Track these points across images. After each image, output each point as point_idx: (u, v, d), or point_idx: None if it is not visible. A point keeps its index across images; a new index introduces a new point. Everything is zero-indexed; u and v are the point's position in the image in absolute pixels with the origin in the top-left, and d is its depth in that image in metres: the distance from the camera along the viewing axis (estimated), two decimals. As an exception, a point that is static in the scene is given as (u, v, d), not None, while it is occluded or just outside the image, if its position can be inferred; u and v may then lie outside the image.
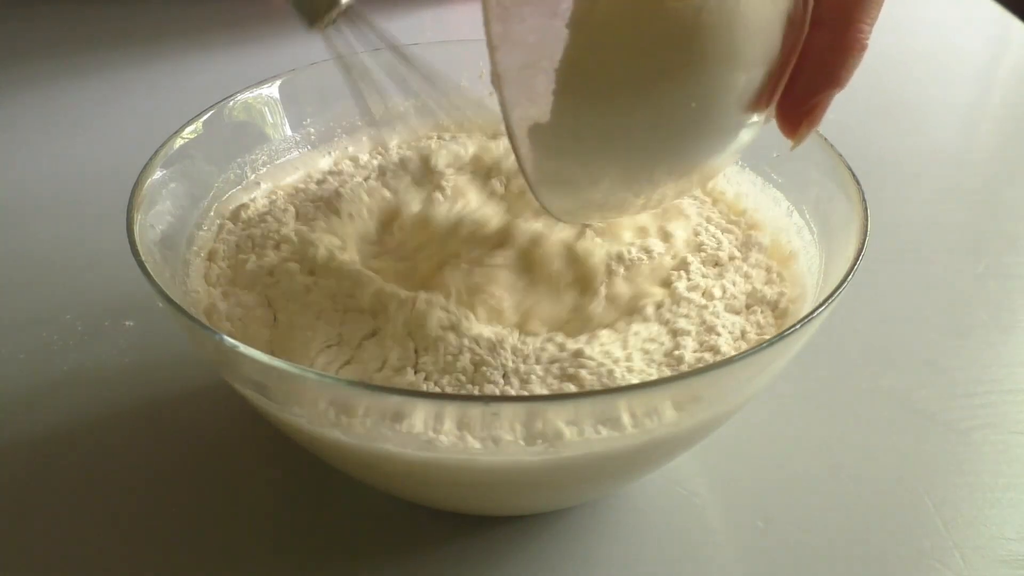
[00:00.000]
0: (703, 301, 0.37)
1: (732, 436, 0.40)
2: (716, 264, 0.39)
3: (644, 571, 0.35)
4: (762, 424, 0.41)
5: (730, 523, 0.37)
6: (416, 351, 0.34)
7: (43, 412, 0.41)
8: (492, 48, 0.31)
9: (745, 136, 0.34)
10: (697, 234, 0.41)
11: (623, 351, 0.34)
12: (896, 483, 0.39)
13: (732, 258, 0.40)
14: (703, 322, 0.36)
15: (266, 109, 0.45)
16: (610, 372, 0.33)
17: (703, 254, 0.40)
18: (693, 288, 0.37)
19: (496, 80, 0.31)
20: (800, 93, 0.33)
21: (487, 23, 0.31)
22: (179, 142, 0.39)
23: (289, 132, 0.46)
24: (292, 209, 0.42)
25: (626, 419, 0.29)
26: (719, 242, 0.40)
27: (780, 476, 0.39)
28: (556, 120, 0.31)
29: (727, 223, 0.42)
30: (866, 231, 0.34)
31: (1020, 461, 0.40)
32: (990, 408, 0.42)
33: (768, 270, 0.39)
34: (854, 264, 0.32)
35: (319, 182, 0.45)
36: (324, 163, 0.47)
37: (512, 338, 0.35)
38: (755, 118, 0.33)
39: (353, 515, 0.37)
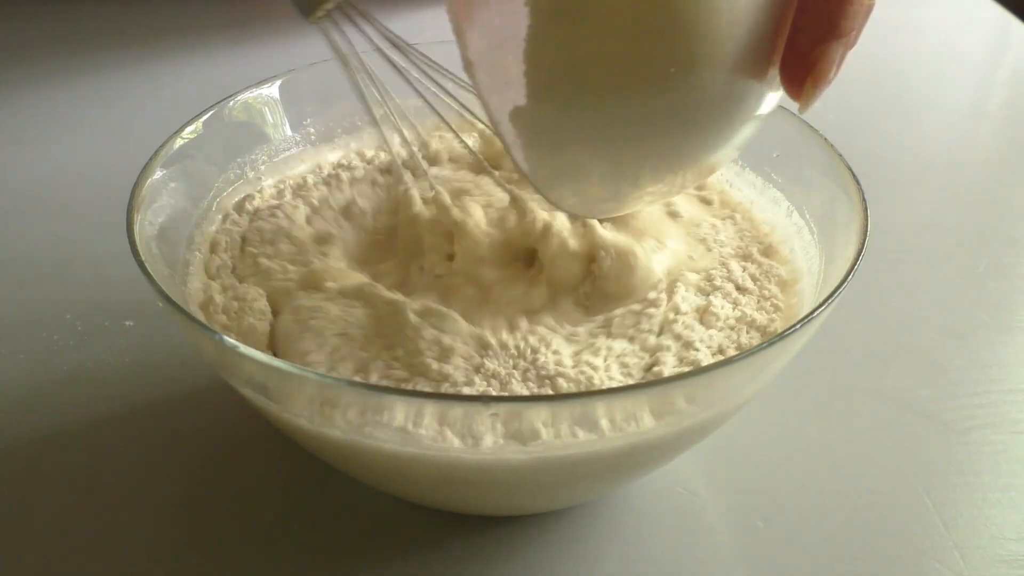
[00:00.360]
0: (672, 315, 0.36)
1: (732, 436, 0.40)
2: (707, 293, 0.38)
3: (644, 571, 0.35)
4: (762, 424, 0.41)
5: (730, 523, 0.37)
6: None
7: (43, 412, 0.41)
8: (459, 33, 0.30)
9: (746, 111, 0.32)
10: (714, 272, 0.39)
11: (602, 361, 0.34)
12: (896, 483, 0.39)
13: (742, 289, 0.38)
14: (677, 336, 0.35)
15: (266, 109, 0.45)
16: (589, 379, 0.33)
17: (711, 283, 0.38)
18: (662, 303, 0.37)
19: (468, 67, 0.30)
20: (801, 47, 0.31)
21: (451, 10, 0.30)
22: (179, 142, 0.39)
23: (289, 132, 0.46)
24: (302, 208, 0.42)
25: (611, 422, 0.29)
26: (730, 271, 0.39)
27: (780, 476, 0.39)
28: (532, 101, 0.30)
29: (756, 252, 0.40)
30: (866, 231, 0.34)
31: (1020, 461, 0.40)
32: (990, 408, 0.42)
33: (764, 298, 0.38)
34: (854, 264, 0.32)
35: (328, 176, 0.44)
36: (332, 156, 0.46)
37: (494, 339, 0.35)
38: (758, 87, 0.32)
39: (353, 514, 0.37)
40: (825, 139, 0.39)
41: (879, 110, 0.68)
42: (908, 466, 0.39)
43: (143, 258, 0.32)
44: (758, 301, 0.38)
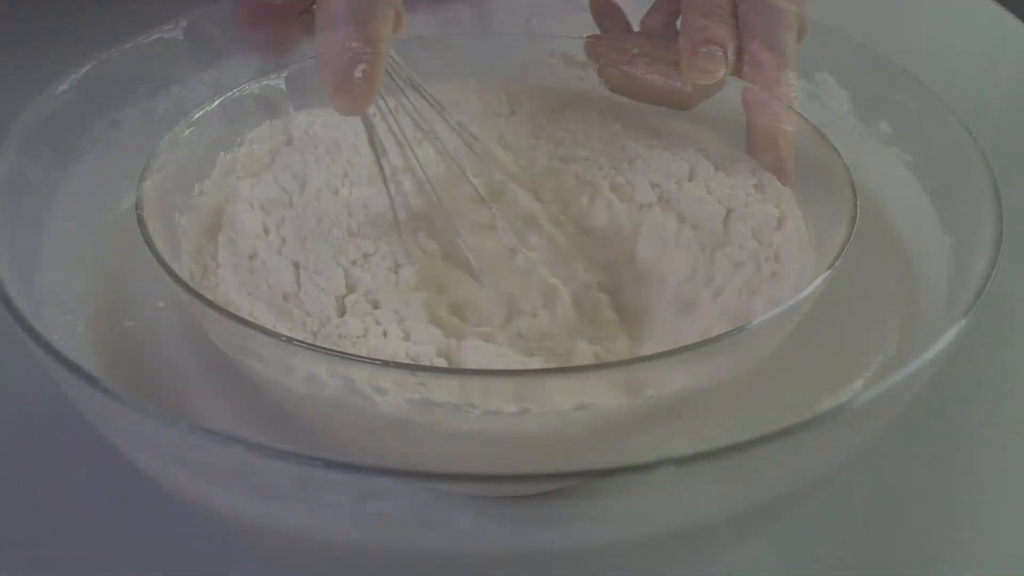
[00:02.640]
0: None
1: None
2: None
3: (642, 569, 0.35)
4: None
5: (730, 522, 0.37)
6: None
7: (43, 412, 0.41)
8: None
9: None
10: None
11: None
12: (896, 483, 0.39)
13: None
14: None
15: (273, 101, 0.44)
16: None
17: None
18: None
19: None
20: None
21: None
22: (184, 133, 0.39)
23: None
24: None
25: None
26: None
27: (780, 476, 0.39)
28: None
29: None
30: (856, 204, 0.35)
31: (1020, 461, 0.40)
32: (990, 408, 0.42)
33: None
34: (846, 241, 0.33)
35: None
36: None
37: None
38: None
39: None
40: (816, 128, 0.39)
41: (879, 110, 0.68)
42: (909, 466, 0.39)
43: (159, 252, 0.32)
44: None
